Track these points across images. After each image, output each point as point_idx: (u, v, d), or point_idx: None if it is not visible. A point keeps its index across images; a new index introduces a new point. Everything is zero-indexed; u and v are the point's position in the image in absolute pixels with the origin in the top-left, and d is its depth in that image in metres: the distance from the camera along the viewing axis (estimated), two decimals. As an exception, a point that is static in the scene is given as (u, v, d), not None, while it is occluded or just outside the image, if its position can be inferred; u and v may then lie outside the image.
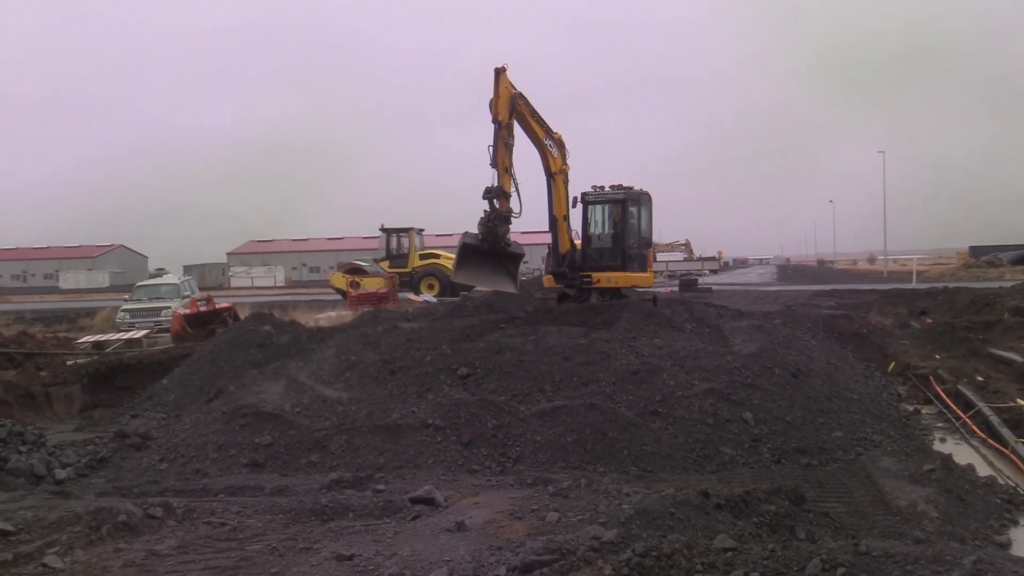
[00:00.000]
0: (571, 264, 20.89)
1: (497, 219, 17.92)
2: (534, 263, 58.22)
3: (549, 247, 22.02)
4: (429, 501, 8.42)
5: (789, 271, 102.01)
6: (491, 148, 18.06)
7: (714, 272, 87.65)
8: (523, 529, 7.15)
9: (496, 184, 17.96)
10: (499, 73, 18.19)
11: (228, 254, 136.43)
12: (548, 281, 22.22)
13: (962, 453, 11.21)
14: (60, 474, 10.40)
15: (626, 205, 21.58)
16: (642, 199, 22.10)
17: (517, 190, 18.47)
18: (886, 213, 78.92)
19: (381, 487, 9.36)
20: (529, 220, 19.35)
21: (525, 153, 19.68)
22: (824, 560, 5.10)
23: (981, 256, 78.78)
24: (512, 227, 18.52)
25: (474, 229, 18.40)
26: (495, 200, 17.95)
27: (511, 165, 18.31)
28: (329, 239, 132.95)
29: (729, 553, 5.47)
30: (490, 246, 18.13)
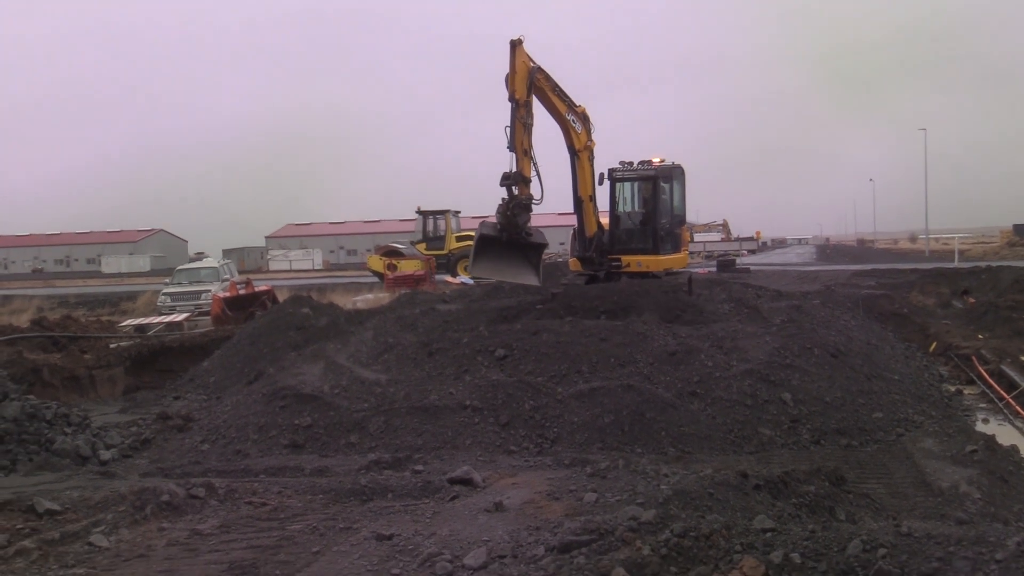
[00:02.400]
0: (599, 247, 19.32)
1: (517, 207, 16.38)
2: (554, 247, 57.86)
3: (574, 229, 20.07)
4: (467, 481, 8.46)
5: (828, 251, 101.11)
6: (508, 129, 16.44)
7: (752, 252, 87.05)
8: (561, 509, 7.17)
9: (515, 169, 16.48)
10: (515, 46, 16.54)
11: (266, 238, 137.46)
12: (574, 265, 20.35)
13: (1005, 434, 11.08)
14: (105, 455, 10.56)
15: (657, 181, 19.82)
16: (675, 174, 20.37)
17: (538, 174, 16.95)
18: (928, 191, 77.87)
19: (420, 468, 9.41)
20: (552, 203, 17.71)
21: (546, 130, 18.24)
22: (865, 541, 5.06)
23: (1025, 234, 77.37)
24: (533, 213, 16.99)
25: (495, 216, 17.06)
26: (514, 187, 16.49)
27: (531, 147, 16.71)
28: (366, 222, 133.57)
29: (768, 533, 5.44)
30: (509, 236, 16.61)
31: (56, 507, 7.31)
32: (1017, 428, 11.70)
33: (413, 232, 45.29)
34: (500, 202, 16.57)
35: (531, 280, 17.18)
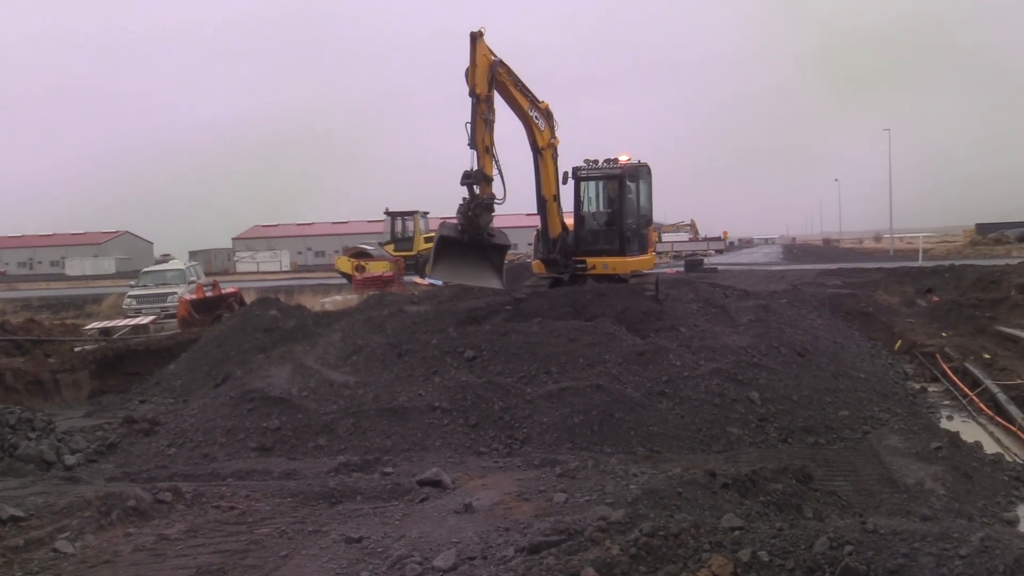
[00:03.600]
0: (563, 249, 18.60)
1: (478, 207, 15.59)
2: (523, 248, 57.83)
3: (537, 231, 19.54)
4: (437, 483, 8.45)
5: (795, 250, 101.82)
6: (469, 126, 15.63)
7: (719, 252, 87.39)
8: (531, 510, 7.18)
9: (476, 167, 15.66)
10: (475, 39, 15.66)
11: (233, 239, 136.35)
12: (538, 268, 19.56)
13: (969, 430, 11.22)
14: (70, 460, 10.45)
15: (623, 180, 18.92)
16: (641, 173, 19.63)
17: (500, 173, 16.16)
18: (892, 191, 78.64)
19: (389, 470, 9.38)
20: (514, 203, 16.95)
21: (508, 127, 17.46)
22: (831, 538, 5.11)
23: (987, 233, 78.42)
24: (495, 214, 16.16)
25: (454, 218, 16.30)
26: (475, 186, 15.67)
27: (492, 144, 15.91)
28: (334, 223, 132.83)
29: (736, 532, 5.48)
30: (471, 237, 15.84)
31: (20, 513, 7.21)
32: (980, 425, 11.86)
33: (381, 233, 45.13)
34: (461, 202, 15.84)
35: (494, 283, 16.59)
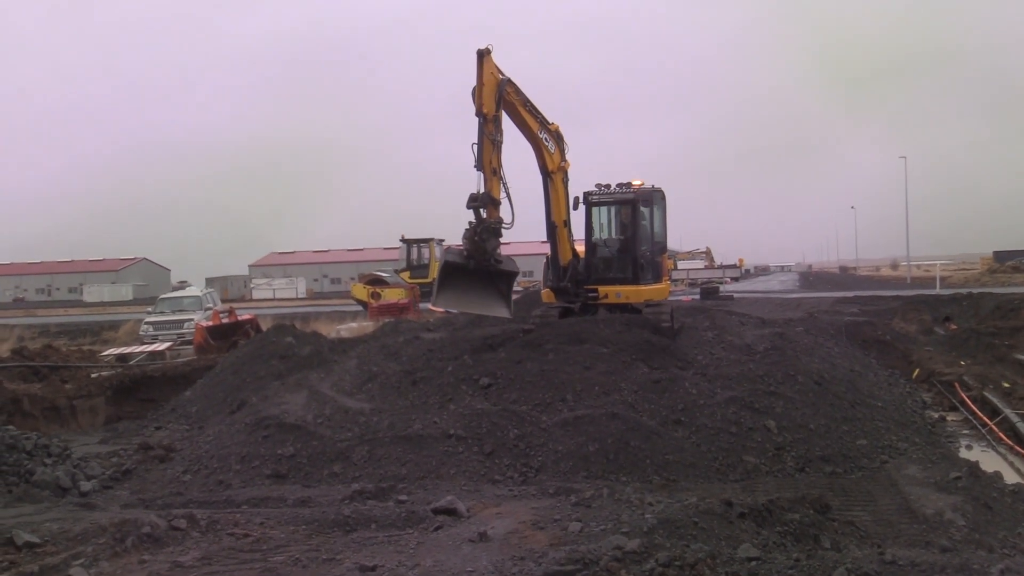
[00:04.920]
0: (574, 277, 17.84)
1: (485, 232, 14.88)
2: (536, 275, 57.59)
3: (547, 257, 18.48)
4: (451, 511, 8.41)
5: (811, 278, 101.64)
6: (475, 147, 15.01)
7: (735, 280, 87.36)
8: (545, 539, 7.14)
9: (483, 190, 14.99)
10: (482, 56, 15.03)
11: (250, 266, 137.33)
12: (547, 296, 18.71)
13: (989, 460, 11.11)
14: (85, 486, 10.46)
15: (636, 205, 18.22)
16: (655, 198, 18.80)
17: (508, 196, 15.43)
18: (908, 218, 78.38)
19: (403, 497, 9.35)
20: (528, 229, 16.85)
21: (516, 149, 16.71)
22: (849, 569, 5.06)
23: (1006, 261, 78.10)
24: (503, 239, 15.46)
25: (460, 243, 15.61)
26: (482, 209, 14.96)
27: (500, 166, 15.29)
28: (349, 250, 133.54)
29: (753, 562, 5.44)
30: (477, 263, 15.13)
31: (35, 539, 7.22)
32: (1000, 454, 11.74)
33: (397, 260, 45.33)
34: (467, 226, 15.12)
35: (501, 312, 15.72)
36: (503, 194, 15.36)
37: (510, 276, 15.81)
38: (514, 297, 16.27)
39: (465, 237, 15.16)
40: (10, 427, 11.33)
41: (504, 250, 15.64)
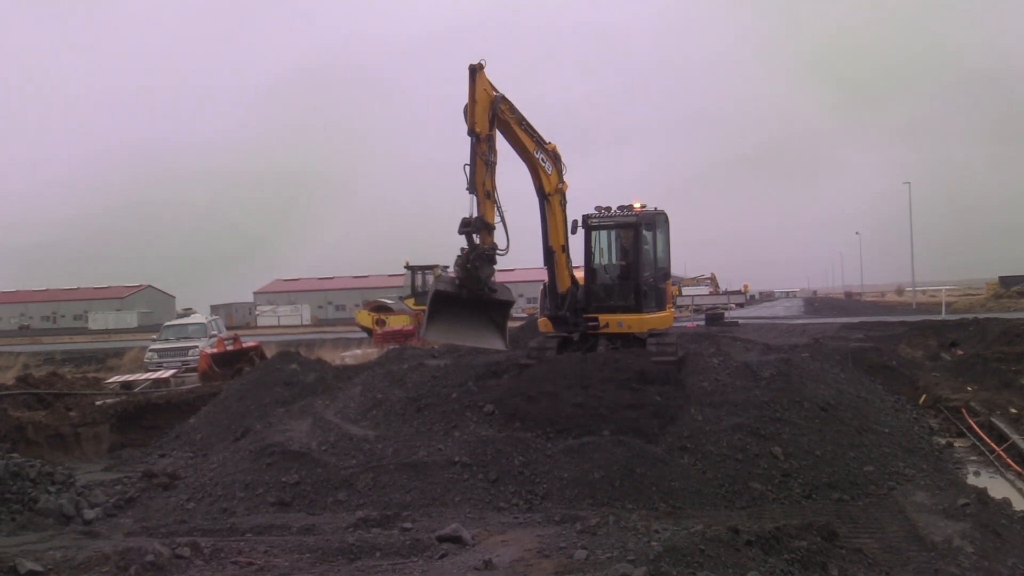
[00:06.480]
0: (572, 305, 16.66)
1: (478, 259, 13.85)
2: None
3: (544, 285, 17.44)
4: (456, 539, 8.38)
5: (816, 304, 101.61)
6: (468, 168, 14.01)
7: (740, 306, 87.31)
8: (551, 567, 7.10)
9: (475, 214, 13.99)
10: (475, 72, 14.10)
11: (255, 293, 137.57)
12: (544, 325, 17.53)
13: (997, 487, 11.05)
14: (89, 514, 10.45)
15: (639, 229, 16.98)
16: (658, 221, 17.67)
17: (503, 220, 14.38)
18: (913, 244, 78.46)
19: (408, 525, 9.31)
20: (519, 254, 15.26)
21: (511, 170, 15.71)
22: (858, 597, 5.02)
23: (1011, 286, 77.91)
24: (498, 267, 14.29)
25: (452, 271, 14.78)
26: (475, 234, 14.01)
27: (494, 188, 14.25)
28: (354, 277, 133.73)
29: (761, 590, 5.40)
30: (470, 292, 14.09)
31: (39, 568, 7.19)
32: (1008, 481, 11.68)
33: (402, 287, 45.38)
34: (459, 253, 14.14)
35: (496, 344, 14.71)
36: (497, 218, 14.40)
37: (505, 306, 14.85)
38: (517, 324, 15.94)
39: (457, 264, 14.23)
40: (14, 455, 11.35)
41: (499, 277, 14.65)
